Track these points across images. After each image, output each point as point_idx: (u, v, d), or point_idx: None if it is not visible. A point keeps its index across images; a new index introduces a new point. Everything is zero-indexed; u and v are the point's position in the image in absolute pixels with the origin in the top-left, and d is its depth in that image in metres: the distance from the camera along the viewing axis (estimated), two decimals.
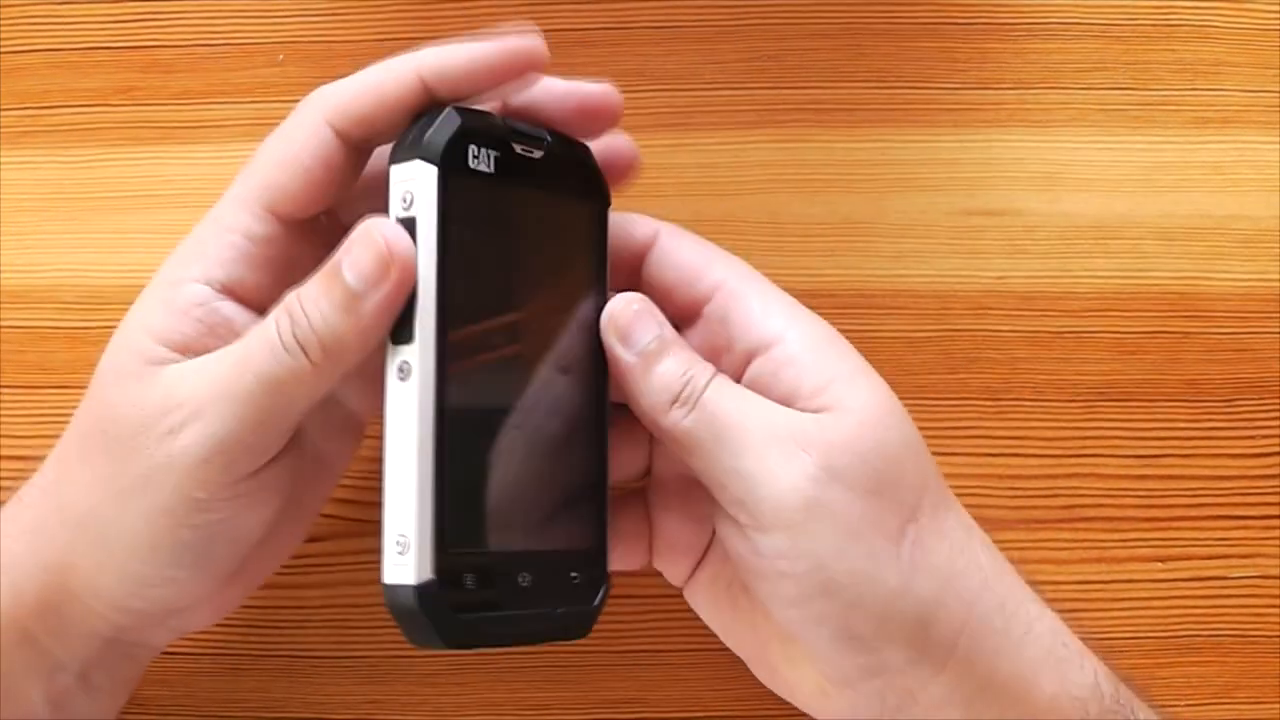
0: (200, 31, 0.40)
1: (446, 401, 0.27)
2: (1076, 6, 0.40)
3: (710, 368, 0.30)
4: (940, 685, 0.28)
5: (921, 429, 0.38)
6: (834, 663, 0.29)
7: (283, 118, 0.30)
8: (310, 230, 0.30)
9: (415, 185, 0.27)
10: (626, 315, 0.30)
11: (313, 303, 0.27)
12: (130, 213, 0.39)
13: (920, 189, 0.39)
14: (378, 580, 0.27)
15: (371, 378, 0.28)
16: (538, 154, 0.30)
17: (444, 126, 0.28)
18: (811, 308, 0.39)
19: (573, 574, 0.30)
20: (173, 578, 0.29)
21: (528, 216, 0.30)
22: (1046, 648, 0.29)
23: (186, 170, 0.39)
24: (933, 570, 0.28)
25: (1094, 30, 0.40)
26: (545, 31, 0.40)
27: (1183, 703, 0.37)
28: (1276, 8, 0.40)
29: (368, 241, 0.27)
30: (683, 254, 0.32)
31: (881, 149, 0.39)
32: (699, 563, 0.33)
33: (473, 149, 0.28)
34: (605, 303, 0.31)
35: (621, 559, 0.32)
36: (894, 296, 0.39)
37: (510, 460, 0.29)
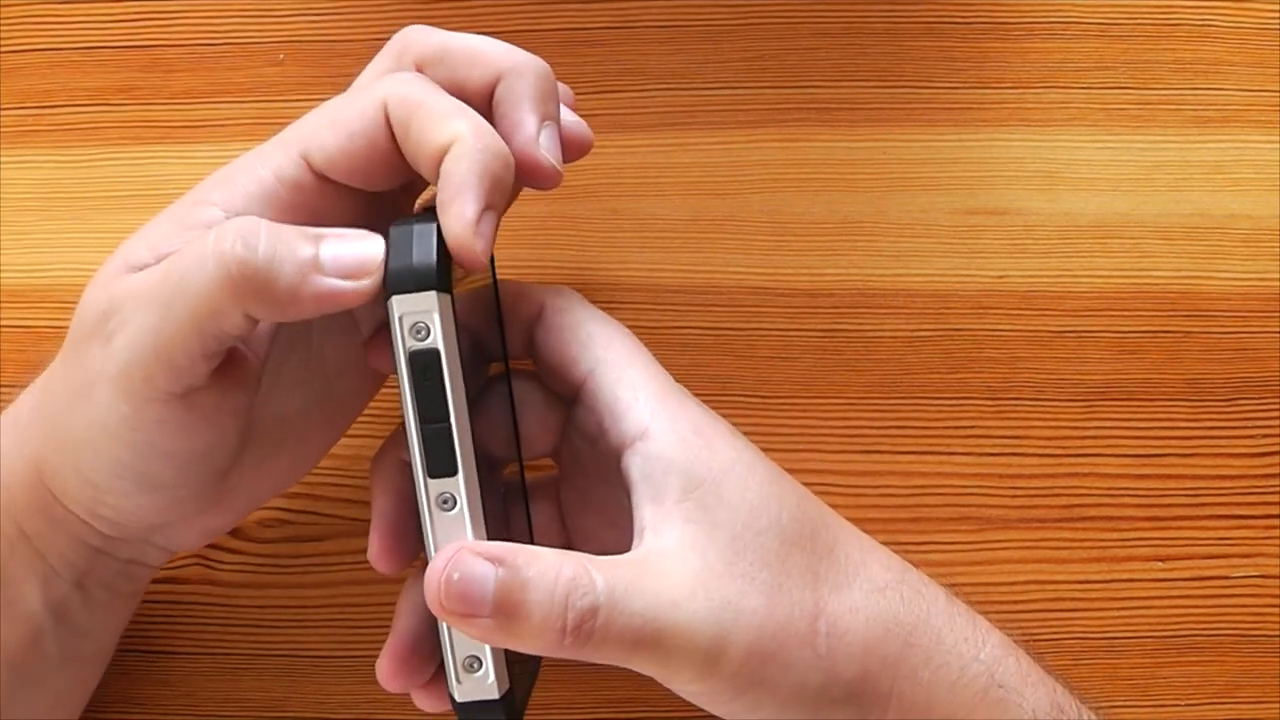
0: (200, 31, 0.40)
1: (489, 527, 0.27)
2: (1076, 6, 0.40)
3: (587, 580, 0.27)
4: None
5: (922, 429, 0.38)
6: None
7: (283, 118, 0.30)
8: (345, 197, 0.29)
9: (430, 316, 0.27)
10: (450, 587, 0.26)
11: (270, 237, 0.26)
12: (130, 213, 0.39)
13: (920, 189, 0.39)
14: (445, 692, 0.28)
15: (344, 332, 0.29)
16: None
17: (434, 248, 0.27)
18: (812, 308, 0.39)
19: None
20: (123, 491, 0.29)
21: (462, 317, 0.28)
22: (981, 689, 0.29)
23: (186, 170, 0.39)
24: (852, 651, 0.28)
25: (1094, 30, 0.40)
26: (546, 31, 0.40)
27: (1183, 703, 0.37)
28: (1276, 8, 0.40)
29: (366, 245, 0.27)
30: (558, 336, 0.31)
31: (882, 148, 0.39)
32: None
33: (450, 265, 0.27)
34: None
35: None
36: (894, 296, 0.39)
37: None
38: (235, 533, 0.38)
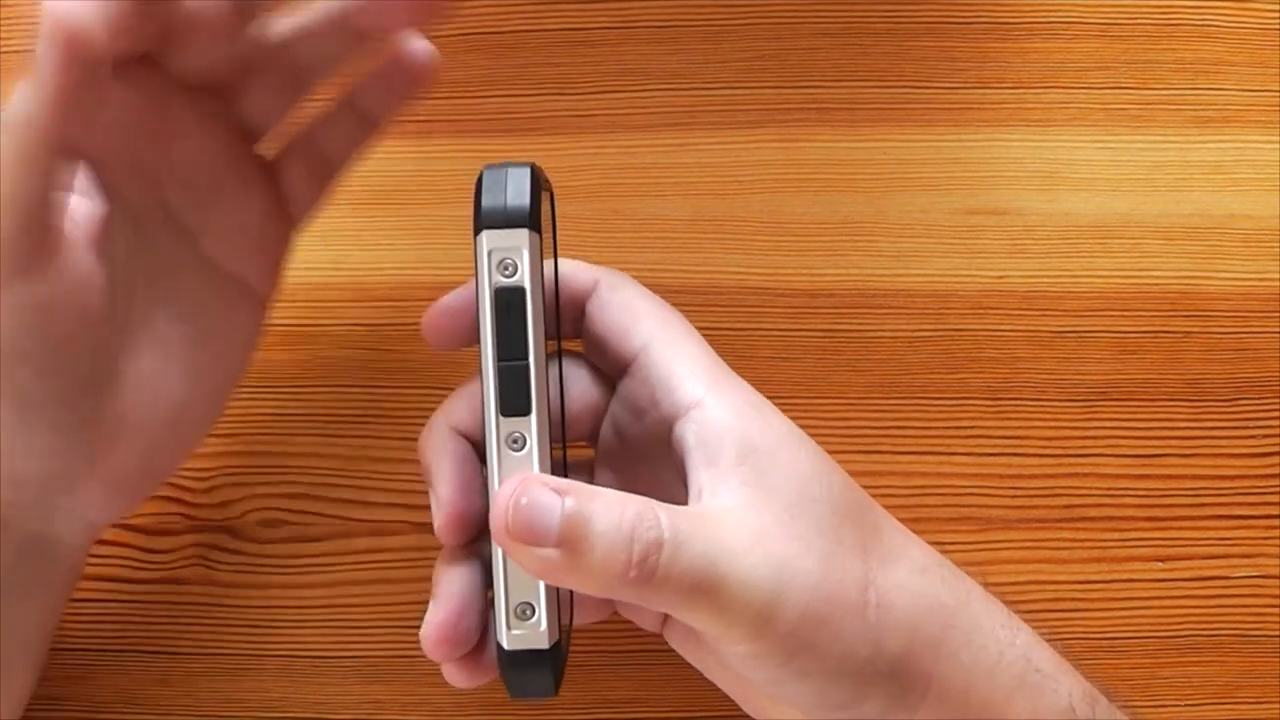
0: None
1: (553, 468, 0.28)
2: (1076, 6, 0.40)
3: (652, 516, 0.26)
4: None
5: (921, 429, 0.38)
6: (816, 716, 0.29)
7: None
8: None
9: (519, 253, 0.27)
10: (520, 513, 0.26)
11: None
12: None
13: (920, 189, 0.39)
14: (497, 642, 0.28)
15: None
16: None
17: (525, 184, 0.27)
18: (812, 308, 0.39)
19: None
20: (4, 422, 0.28)
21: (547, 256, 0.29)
22: (1018, 674, 0.29)
23: None
24: (898, 625, 0.28)
25: (1094, 30, 0.40)
26: (546, 31, 0.40)
27: (1183, 703, 0.37)
28: (1276, 8, 0.40)
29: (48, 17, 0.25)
30: (613, 311, 0.31)
31: (882, 148, 0.39)
32: (668, 616, 0.32)
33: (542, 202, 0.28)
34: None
35: (586, 613, 0.32)
36: (894, 296, 0.39)
37: None
38: (235, 533, 0.38)
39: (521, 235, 0.27)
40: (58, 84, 0.25)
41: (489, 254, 0.27)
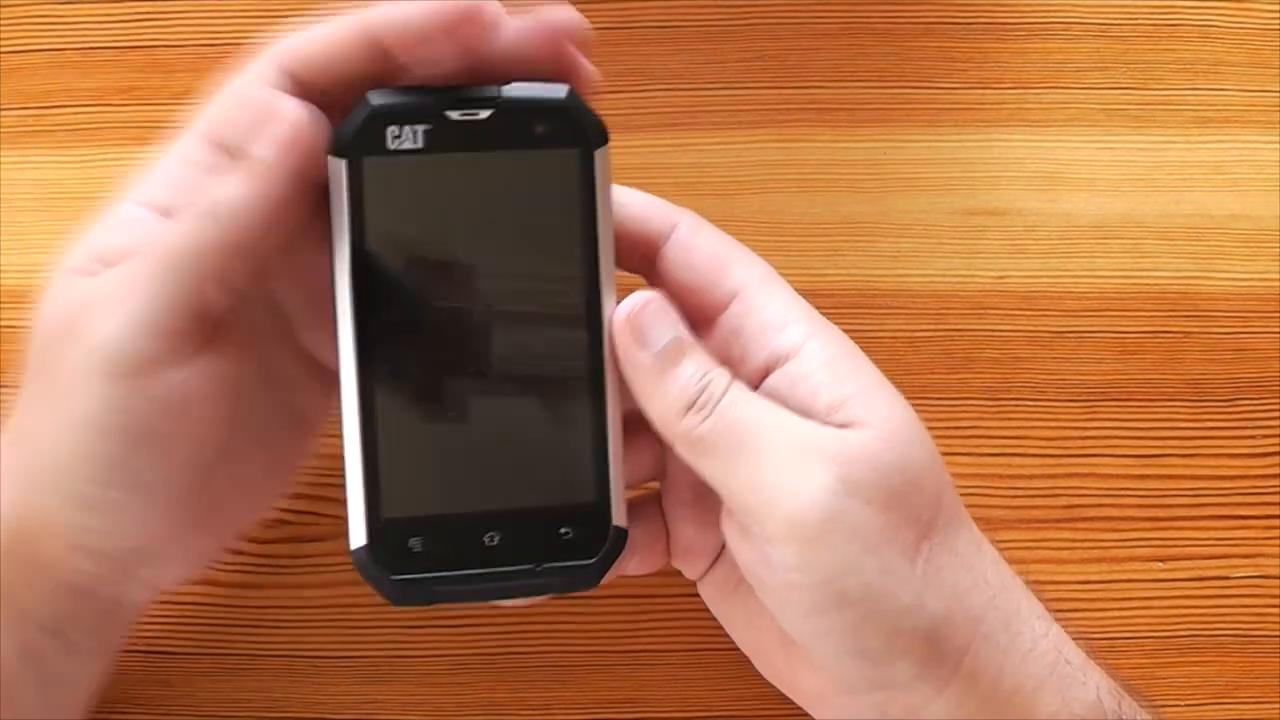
0: (200, 31, 0.40)
1: (373, 380, 0.29)
2: (1076, 6, 0.40)
3: (727, 374, 0.29)
4: (943, 702, 0.28)
5: None
6: (840, 673, 0.29)
7: None
8: None
9: (334, 179, 0.28)
10: (643, 313, 0.29)
11: (210, 183, 0.27)
12: None
13: (920, 189, 0.39)
14: None
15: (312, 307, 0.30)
16: (484, 114, 0.29)
17: (355, 114, 0.28)
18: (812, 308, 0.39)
19: (562, 530, 0.30)
20: (115, 501, 0.28)
21: (471, 183, 0.29)
22: (1050, 664, 0.29)
23: None
24: (943, 587, 0.28)
25: (1094, 30, 0.40)
26: None
27: (1183, 703, 0.37)
28: (1276, 8, 0.40)
29: (243, 103, 0.27)
30: (701, 254, 0.31)
31: (882, 149, 0.39)
32: (714, 560, 0.33)
33: (392, 130, 0.28)
34: (594, 247, 0.29)
35: (641, 563, 0.32)
36: (894, 296, 0.39)
37: (462, 425, 0.29)
38: None
39: (332, 163, 0.28)
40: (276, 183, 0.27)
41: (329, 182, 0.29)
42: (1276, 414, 0.38)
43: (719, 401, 0.29)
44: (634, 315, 0.29)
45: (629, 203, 0.31)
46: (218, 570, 0.38)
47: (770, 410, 0.29)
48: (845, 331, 0.31)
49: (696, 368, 0.29)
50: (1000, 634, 0.29)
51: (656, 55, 0.40)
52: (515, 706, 0.37)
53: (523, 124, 0.29)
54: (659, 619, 0.37)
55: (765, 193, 0.39)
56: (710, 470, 0.29)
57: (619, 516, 0.30)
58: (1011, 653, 0.29)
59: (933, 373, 0.38)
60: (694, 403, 0.29)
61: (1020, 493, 0.38)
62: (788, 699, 0.33)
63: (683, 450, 0.29)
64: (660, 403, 0.29)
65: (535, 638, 0.37)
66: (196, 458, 0.29)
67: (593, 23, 0.40)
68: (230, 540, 0.33)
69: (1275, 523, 0.38)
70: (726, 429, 0.28)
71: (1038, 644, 0.29)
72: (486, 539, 0.29)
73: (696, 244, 0.31)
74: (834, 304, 0.38)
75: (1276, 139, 0.39)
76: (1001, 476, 0.38)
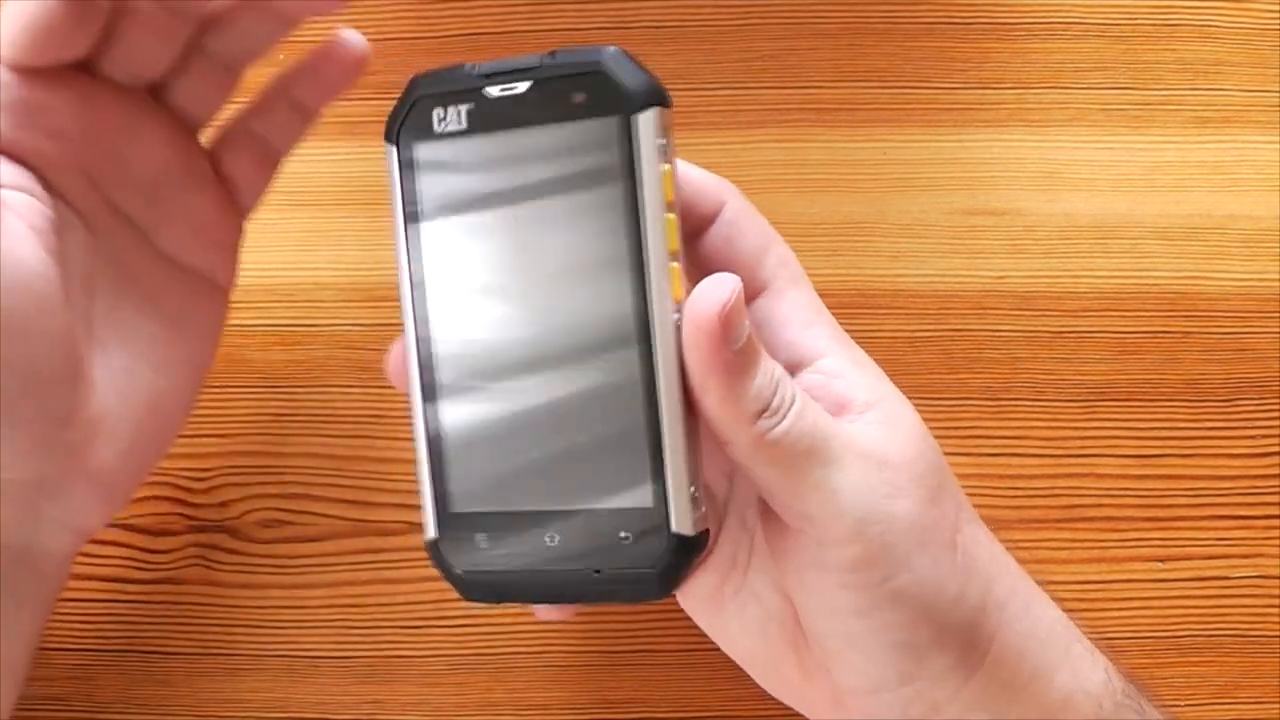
0: None
1: (437, 375, 0.29)
2: (1076, 6, 0.40)
3: (788, 375, 0.28)
4: (970, 690, 0.28)
5: None
6: (874, 670, 0.28)
7: None
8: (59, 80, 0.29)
9: (389, 165, 0.28)
10: (736, 307, 0.26)
11: None
12: None
13: (920, 189, 0.39)
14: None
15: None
16: (522, 87, 0.28)
17: (402, 99, 0.28)
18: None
19: (622, 534, 0.28)
20: None
21: (516, 158, 0.28)
22: (1064, 645, 0.29)
23: None
24: (977, 576, 0.29)
25: (1094, 30, 0.40)
26: (545, 31, 0.40)
27: (1183, 703, 0.37)
28: (1276, 8, 0.40)
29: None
30: (748, 241, 0.30)
31: (882, 149, 0.39)
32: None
33: (437, 113, 0.28)
34: (640, 219, 0.27)
35: None
36: (894, 296, 0.39)
37: (522, 421, 0.28)
38: (235, 533, 0.38)
39: (385, 150, 0.29)
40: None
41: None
42: (1276, 414, 0.38)
43: (791, 407, 0.27)
44: (728, 309, 0.26)
45: (683, 174, 0.30)
46: (218, 570, 0.38)
47: (827, 415, 0.28)
48: (846, 331, 0.31)
49: (769, 368, 0.27)
50: (1022, 618, 0.29)
51: (655, 56, 0.40)
52: (514, 706, 0.37)
53: (563, 93, 0.28)
54: (658, 619, 0.37)
55: (765, 193, 0.39)
56: (772, 475, 0.28)
57: (681, 523, 0.27)
58: (1031, 637, 0.29)
59: (933, 373, 0.38)
60: (769, 406, 0.27)
61: (1020, 493, 0.38)
62: None
63: (745, 454, 0.27)
64: (734, 405, 0.27)
65: (535, 638, 0.37)
66: (41, 365, 0.29)
67: (591, 23, 0.40)
68: (142, 469, 0.32)
69: (1275, 523, 0.38)
70: (800, 435, 0.27)
71: (1052, 629, 0.30)
72: (547, 539, 0.28)
73: (746, 228, 0.30)
74: (834, 304, 0.38)
75: (1276, 139, 0.39)
76: (1001, 476, 0.38)
